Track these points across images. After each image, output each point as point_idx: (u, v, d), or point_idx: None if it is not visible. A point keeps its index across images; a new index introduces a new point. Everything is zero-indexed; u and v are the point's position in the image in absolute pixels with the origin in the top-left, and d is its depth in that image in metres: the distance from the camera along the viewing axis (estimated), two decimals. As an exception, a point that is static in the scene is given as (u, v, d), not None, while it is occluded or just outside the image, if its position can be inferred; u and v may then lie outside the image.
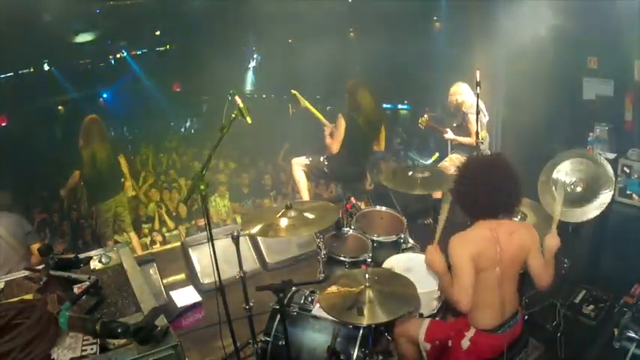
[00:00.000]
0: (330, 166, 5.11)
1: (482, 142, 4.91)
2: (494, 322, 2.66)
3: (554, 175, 3.72)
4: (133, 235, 6.03)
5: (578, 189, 3.73)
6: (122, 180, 5.78)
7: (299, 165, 5.33)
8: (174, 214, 8.00)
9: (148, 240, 7.17)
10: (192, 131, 15.12)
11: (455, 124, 5.41)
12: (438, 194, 5.05)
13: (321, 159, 5.18)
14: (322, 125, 5.22)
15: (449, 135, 5.39)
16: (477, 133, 4.59)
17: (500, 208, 2.65)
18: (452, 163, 5.45)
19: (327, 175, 5.34)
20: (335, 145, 4.94)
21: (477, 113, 4.44)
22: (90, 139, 5.32)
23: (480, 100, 4.76)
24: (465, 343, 2.66)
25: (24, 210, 7.34)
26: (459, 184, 2.69)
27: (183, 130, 15.22)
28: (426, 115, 5.57)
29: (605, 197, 3.55)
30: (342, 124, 4.89)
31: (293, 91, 5.34)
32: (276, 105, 13.12)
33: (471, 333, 2.67)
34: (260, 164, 9.75)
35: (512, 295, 2.71)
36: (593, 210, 3.56)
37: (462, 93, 5.23)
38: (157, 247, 6.54)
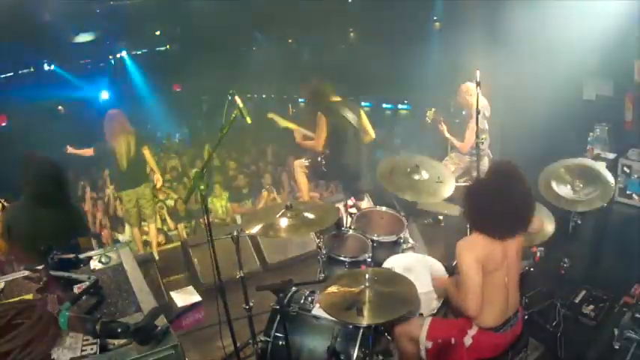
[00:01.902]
0: (328, 164, 5.15)
1: (482, 142, 4.90)
2: (497, 321, 2.67)
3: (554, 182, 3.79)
4: (152, 226, 6.14)
5: (578, 188, 3.75)
6: (146, 172, 5.97)
7: (300, 167, 5.37)
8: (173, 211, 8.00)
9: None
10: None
11: (457, 121, 5.43)
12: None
13: (319, 159, 5.22)
14: (294, 131, 5.32)
15: (445, 132, 5.45)
16: (477, 134, 4.58)
17: (519, 230, 2.63)
18: (452, 161, 5.45)
19: (326, 174, 5.36)
20: (319, 143, 4.99)
21: (477, 113, 4.44)
22: (111, 131, 5.55)
23: (483, 99, 4.77)
24: (468, 340, 2.67)
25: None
26: (476, 198, 2.64)
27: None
28: (433, 109, 5.52)
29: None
30: (322, 120, 4.95)
31: (270, 115, 5.44)
32: (276, 105, 13.14)
33: (473, 331, 2.68)
34: (260, 164, 9.77)
35: (514, 293, 2.73)
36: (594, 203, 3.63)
37: (472, 94, 5.18)
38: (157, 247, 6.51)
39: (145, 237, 6.49)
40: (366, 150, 5.39)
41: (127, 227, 7.36)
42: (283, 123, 5.36)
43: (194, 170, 9.21)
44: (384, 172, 4.01)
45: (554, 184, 3.82)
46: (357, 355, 2.90)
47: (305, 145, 5.22)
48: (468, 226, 3.93)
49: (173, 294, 4.57)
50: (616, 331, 3.36)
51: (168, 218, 7.75)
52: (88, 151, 5.85)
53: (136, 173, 5.77)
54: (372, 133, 5.29)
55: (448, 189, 3.86)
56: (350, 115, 5.01)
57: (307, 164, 5.32)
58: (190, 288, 4.69)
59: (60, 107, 14.28)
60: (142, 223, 6.29)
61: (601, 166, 3.92)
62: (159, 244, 6.32)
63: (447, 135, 5.44)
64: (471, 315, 2.61)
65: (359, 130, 5.12)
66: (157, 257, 5.81)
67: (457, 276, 2.72)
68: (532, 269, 3.50)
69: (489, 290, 2.59)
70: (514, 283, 2.72)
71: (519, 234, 2.65)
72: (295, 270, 4.99)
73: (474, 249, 2.57)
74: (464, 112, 5.40)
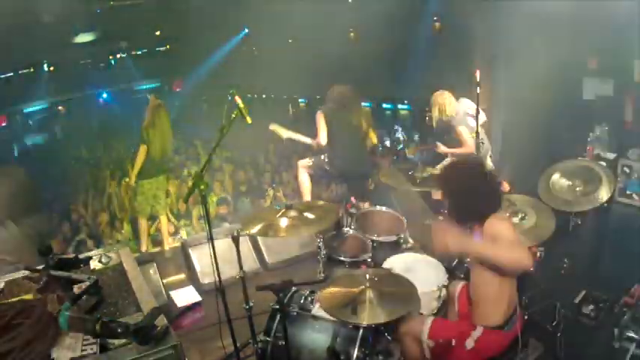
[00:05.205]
0: (331, 162, 5.13)
1: (482, 143, 4.88)
2: (502, 318, 2.67)
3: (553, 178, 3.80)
4: (163, 218, 6.13)
5: (578, 189, 3.76)
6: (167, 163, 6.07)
7: (304, 167, 5.35)
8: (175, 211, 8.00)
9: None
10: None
11: (445, 136, 5.31)
12: (437, 195, 5.04)
13: (322, 157, 5.21)
14: (310, 145, 5.28)
15: (442, 149, 5.20)
16: (478, 133, 4.57)
17: (497, 205, 2.67)
18: None
19: (330, 173, 5.35)
20: (322, 137, 4.97)
21: (477, 113, 4.43)
22: (153, 119, 5.60)
23: (468, 101, 4.75)
24: (470, 344, 2.67)
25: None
26: (451, 195, 2.72)
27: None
28: (412, 146, 5.48)
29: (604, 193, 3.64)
30: (320, 117, 4.96)
31: (271, 127, 5.31)
32: (275, 105, 13.14)
33: (478, 332, 2.67)
34: (259, 163, 9.77)
35: (515, 290, 2.74)
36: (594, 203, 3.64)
37: (438, 103, 5.02)
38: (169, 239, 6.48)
39: (152, 232, 6.47)
40: (368, 151, 5.39)
41: (126, 226, 7.35)
42: (286, 134, 5.24)
43: (194, 170, 9.20)
44: (387, 173, 4.07)
45: (553, 188, 3.83)
46: (357, 355, 2.90)
47: (315, 147, 5.19)
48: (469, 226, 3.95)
49: (173, 294, 4.60)
50: (616, 331, 3.37)
51: (172, 217, 7.75)
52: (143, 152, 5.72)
53: (162, 162, 5.87)
54: (374, 139, 5.28)
55: None
56: (351, 116, 5.01)
57: (311, 164, 5.31)
58: (190, 288, 4.72)
59: (60, 107, 14.29)
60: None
61: (600, 166, 3.93)
62: (170, 234, 6.30)
63: (445, 149, 5.16)
64: (529, 265, 2.61)
65: (359, 128, 5.12)
66: (167, 248, 5.82)
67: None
68: (532, 269, 3.50)
69: (503, 287, 2.61)
70: (514, 279, 2.72)
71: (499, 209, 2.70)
72: (295, 270, 4.98)
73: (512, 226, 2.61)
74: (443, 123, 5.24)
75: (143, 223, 6.04)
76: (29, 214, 3.47)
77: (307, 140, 5.23)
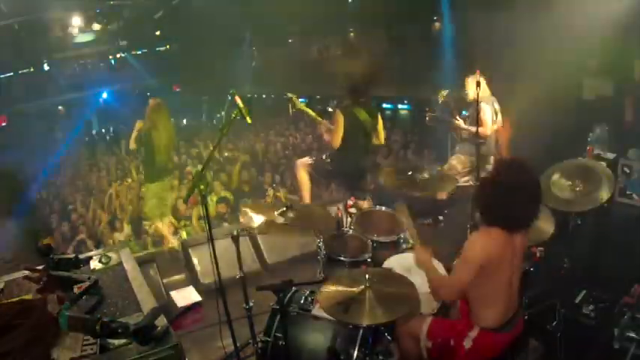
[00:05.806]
0: (333, 162, 5.10)
1: (483, 143, 4.88)
2: (499, 321, 2.65)
3: (553, 178, 3.80)
4: (166, 219, 6.09)
5: (578, 189, 3.77)
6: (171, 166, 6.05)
7: (303, 166, 5.32)
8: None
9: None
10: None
11: (467, 114, 5.29)
12: (441, 195, 5.03)
13: (324, 157, 5.18)
14: (317, 124, 5.26)
15: (459, 123, 5.17)
16: (477, 133, 4.56)
17: (531, 220, 2.60)
18: (458, 161, 5.38)
19: (331, 173, 5.32)
20: (336, 139, 4.95)
21: (478, 113, 4.43)
22: (155, 121, 5.49)
23: (493, 98, 4.74)
24: (468, 343, 2.66)
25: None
26: (492, 192, 2.54)
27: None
28: (447, 90, 5.28)
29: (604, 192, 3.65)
30: (339, 118, 4.91)
31: (289, 94, 5.39)
32: (275, 105, 13.15)
33: (474, 333, 2.66)
34: (260, 163, 9.78)
35: (516, 293, 2.73)
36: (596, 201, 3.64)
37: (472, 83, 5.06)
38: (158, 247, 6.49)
39: (152, 231, 6.47)
40: (372, 151, 5.36)
41: (126, 226, 7.35)
42: (300, 105, 5.32)
43: (194, 170, 9.21)
44: (388, 176, 4.06)
45: (553, 188, 3.83)
46: (357, 355, 2.90)
47: (325, 139, 5.17)
48: (469, 226, 3.95)
49: (173, 294, 4.60)
50: (616, 331, 3.37)
51: (172, 217, 7.75)
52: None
53: (167, 164, 5.81)
54: (382, 139, 5.25)
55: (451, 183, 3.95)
56: (365, 118, 4.98)
57: (311, 162, 5.28)
58: (190, 288, 4.72)
59: (60, 107, 14.31)
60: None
61: (600, 166, 3.93)
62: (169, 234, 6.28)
63: (463, 125, 5.14)
64: (443, 297, 2.72)
65: (371, 134, 5.09)
66: (167, 248, 5.75)
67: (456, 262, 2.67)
68: (532, 269, 3.50)
69: (494, 289, 2.58)
70: (517, 283, 2.71)
71: (531, 223, 2.63)
72: (295, 270, 4.98)
73: (488, 246, 2.51)
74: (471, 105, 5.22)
75: (159, 225, 5.95)
76: (20, 213, 3.49)
77: (317, 118, 5.25)
